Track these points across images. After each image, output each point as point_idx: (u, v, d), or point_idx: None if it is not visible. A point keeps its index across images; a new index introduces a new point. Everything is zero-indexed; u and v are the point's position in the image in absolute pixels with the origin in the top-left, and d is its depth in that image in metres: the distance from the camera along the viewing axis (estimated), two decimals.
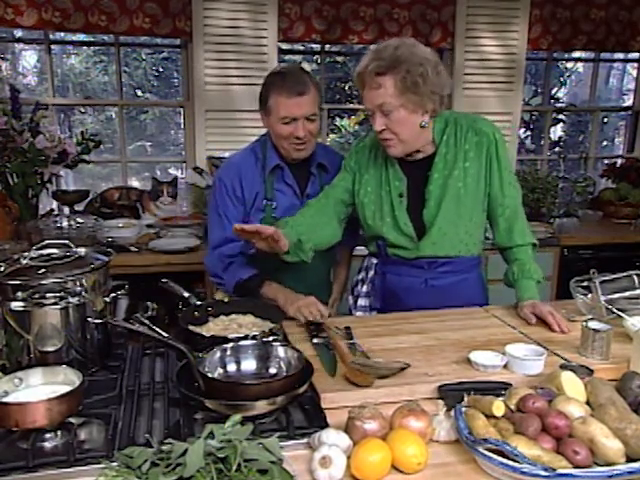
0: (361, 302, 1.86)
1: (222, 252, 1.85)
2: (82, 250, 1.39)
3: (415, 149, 1.68)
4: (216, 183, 1.88)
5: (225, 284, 1.85)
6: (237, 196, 1.83)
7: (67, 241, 1.39)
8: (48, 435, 1.06)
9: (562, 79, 7.90)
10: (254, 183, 1.84)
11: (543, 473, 0.91)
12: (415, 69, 1.53)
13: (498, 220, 1.75)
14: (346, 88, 7.25)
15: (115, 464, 0.93)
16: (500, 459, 0.95)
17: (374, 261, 1.84)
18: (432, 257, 1.73)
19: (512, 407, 1.09)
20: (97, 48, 7.24)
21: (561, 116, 6.78)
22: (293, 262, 1.69)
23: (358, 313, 1.86)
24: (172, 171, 6.67)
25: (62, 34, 3.49)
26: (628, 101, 6.22)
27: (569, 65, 7.84)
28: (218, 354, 1.25)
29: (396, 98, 1.55)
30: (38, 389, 1.14)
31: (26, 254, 1.33)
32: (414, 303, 1.76)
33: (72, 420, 1.07)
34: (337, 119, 7.27)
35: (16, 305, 1.23)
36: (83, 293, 1.29)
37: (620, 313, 1.57)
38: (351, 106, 6.97)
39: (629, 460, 0.96)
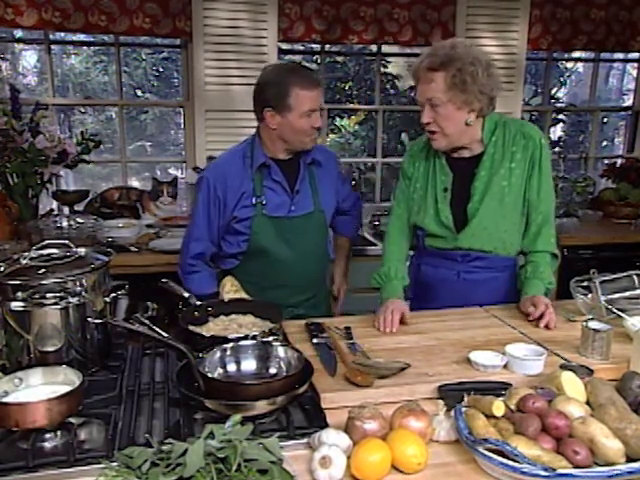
0: None
1: (189, 249, 1.91)
2: (82, 250, 1.39)
3: (459, 145, 1.73)
4: (201, 181, 1.89)
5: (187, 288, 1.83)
6: (217, 196, 1.85)
7: (67, 241, 1.39)
8: (48, 435, 1.06)
9: (562, 79, 7.91)
10: (242, 182, 1.85)
11: (543, 473, 0.91)
12: (466, 68, 1.59)
13: (530, 224, 1.78)
14: (346, 88, 7.24)
15: (115, 464, 0.93)
16: (500, 459, 0.95)
17: (410, 253, 1.91)
18: (468, 249, 1.76)
19: (512, 407, 1.09)
20: (97, 48, 7.25)
21: (561, 116, 6.79)
22: (285, 261, 1.86)
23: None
24: (172, 171, 6.68)
25: (62, 34, 3.49)
26: (628, 101, 6.23)
27: (569, 65, 7.84)
28: (218, 354, 1.25)
29: (444, 93, 1.62)
30: (38, 389, 1.14)
31: (26, 254, 1.33)
32: (447, 294, 1.79)
33: (72, 420, 1.08)
34: (337, 119, 7.27)
35: (16, 305, 1.23)
36: (83, 293, 1.29)
37: (620, 313, 1.57)
38: (351, 106, 6.98)
39: (629, 460, 0.96)
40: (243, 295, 1.66)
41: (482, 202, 1.72)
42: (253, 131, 3.07)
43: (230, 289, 1.66)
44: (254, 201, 1.84)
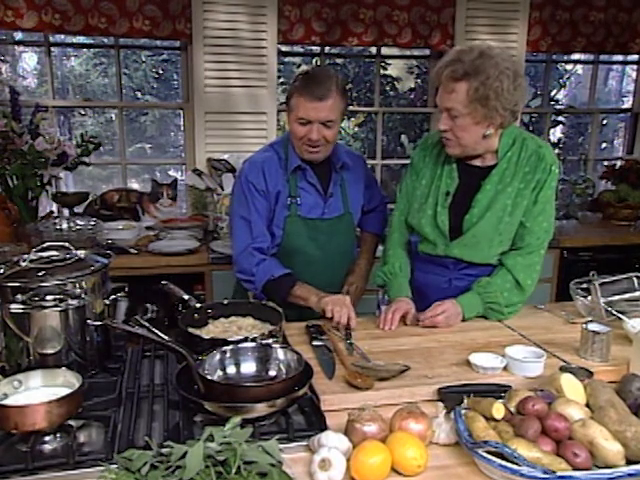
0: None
1: (253, 246, 1.83)
2: (82, 252, 1.38)
3: (474, 154, 1.69)
4: (241, 180, 1.88)
5: (255, 281, 1.82)
6: (263, 190, 1.84)
7: (67, 243, 1.39)
8: (47, 438, 1.06)
9: (561, 81, 7.91)
10: (277, 182, 1.85)
11: (543, 475, 0.91)
12: (491, 83, 1.52)
13: (519, 246, 1.71)
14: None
15: (114, 467, 0.93)
16: (500, 461, 0.95)
17: None
18: (459, 260, 1.73)
19: (512, 409, 1.09)
20: (97, 50, 7.24)
21: (560, 118, 6.78)
22: (314, 261, 1.87)
23: (384, 306, 1.90)
24: (172, 173, 6.67)
25: (62, 36, 3.48)
26: (627, 103, 6.23)
27: (568, 67, 7.85)
28: (218, 356, 1.25)
29: (465, 106, 1.56)
30: (38, 391, 1.14)
31: (26, 256, 1.33)
32: (439, 300, 1.74)
33: (71, 422, 1.07)
34: None
35: (16, 307, 1.23)
36: (83, 295, 1.29)
37: (620, 315, 1.57)
38: (351, 108, 6.97)
39: (629, 462, 0.96)
40: None
41: (482, 217, 1.67)
42: (252, 133, 3.06)
43: None
44: (289, 202, 1.85)
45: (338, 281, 1.99)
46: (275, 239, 1.88)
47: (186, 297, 1.60)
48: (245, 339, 1.32)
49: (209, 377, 1.16)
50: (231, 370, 1.25)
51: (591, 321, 1.49)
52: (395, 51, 4.47)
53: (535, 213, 1.67)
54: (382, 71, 6.14)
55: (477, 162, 1.72)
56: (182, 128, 3.59)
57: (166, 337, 1.24)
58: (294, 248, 1.88)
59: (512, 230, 1.69)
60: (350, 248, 2.01)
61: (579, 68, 7.88)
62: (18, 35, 4.29)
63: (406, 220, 1.85)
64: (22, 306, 1.23)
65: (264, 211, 1.84)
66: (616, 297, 1.64)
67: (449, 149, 1.68)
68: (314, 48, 3.77)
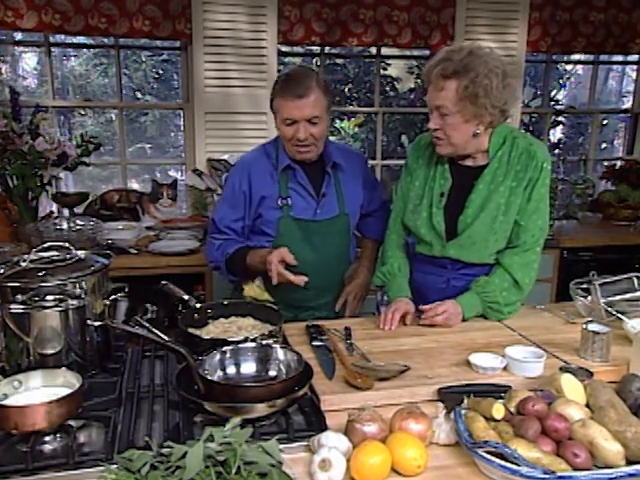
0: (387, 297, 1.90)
1: (212, 236, 1.93)
2: (82, 252, 1.39)
3: (465, 153, 1.69)
4: (227, 181, 1.93)
5: (220, 266, 1.90)
6: (243, 191, 1.86)
7: (67, 243, 1.39)
8: (48, 438, 1.06)
9: (561, 81, 7.91)
10: (265, 183, 1.85)
11: (542, 476, 0.91)
12: (480, 80, 1.53)
13: (515, 244, 1.71)
14: (346, 90, 7.25)
15: (115, 467, 0.92)
16: (500, 462, 0.95)
17: None
18: (455, 260, 1.73)
19: (512, 410, 1.09)
20: (97, 50, 7.24)
21: (560, 118, 6.78)
22: (309, 263, 1.81)
23: (383, 308, 1.90)
24: (172, 173, 6.68)
25: (62, 36, 3.49)
26: (627, 103, 6.23)
27: (568, 67, 7.85)
28: (218, 357, 1.25)
29: (454, 104, 1.57)
30: (38, 392, 1.14)
31: (26, 256, 1.33)
32: (437, 301, 1.73)
33: (72, 423, 1.08)
34: (337, 121, 7.27)
35: (16, 307, 1.23)
36: (83, 295, 1.29)
37: (620, 315, 1.57)
38: (351, 108, 6.98)
39: (629, 462, 0.96)
40: (266, 297, 1.66)
41: (476, 218, 1.67)
42: (252, 133, 3.06)
43: (256, 291, 1.68)
44: (280, 203, 1.84)
45: (334, 285, 1.98)
46: (267, 238, 1.87)
47: (186, 297, 1.60)
48: (245, 339, 1.32)
49: (209, 377, 1.16)
50: (231, 370, 1.25)
51: (591, 321, 1.49)
52: (395, 51, 4.47)
53: (529, 211, 1.67)
54: (382, 71, 6.15)
55: (469, 162, 1.72)
56: (182, 128, 3.59)
57: (166, 337, 1.24)
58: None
59: (507, 229, 1.69)
60: (346, 250, 1.99)
61: (579, 68, 7.88)
62: (18, 35, 4.29)
63: (402, 221, 1.85)
64: (22, 306, 1.23)
65: (237, 212, 1.88)
66: (616, 297, 1.64)
67: (439, 148, 1.68)
68: (314, 48, 3.77)
